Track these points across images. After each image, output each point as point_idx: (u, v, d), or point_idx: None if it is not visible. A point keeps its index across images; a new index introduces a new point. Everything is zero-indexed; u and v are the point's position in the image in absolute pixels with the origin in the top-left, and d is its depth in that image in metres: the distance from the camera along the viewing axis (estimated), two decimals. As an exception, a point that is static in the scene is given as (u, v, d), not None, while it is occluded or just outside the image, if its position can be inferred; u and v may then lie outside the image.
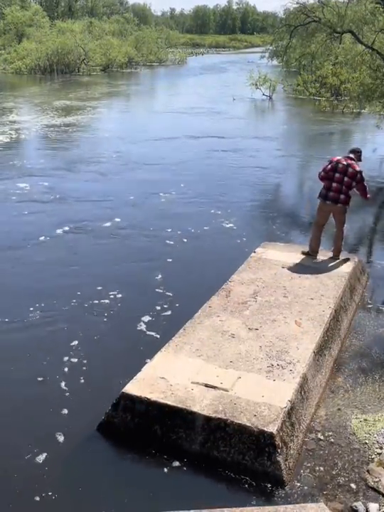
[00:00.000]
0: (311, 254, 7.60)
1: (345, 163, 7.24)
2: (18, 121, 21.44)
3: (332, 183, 7.26)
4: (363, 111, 23.71)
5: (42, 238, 9.21)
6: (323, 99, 27.19)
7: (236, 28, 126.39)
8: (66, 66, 43.93)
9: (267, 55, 32.19)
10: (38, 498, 4.04)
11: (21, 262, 8.29)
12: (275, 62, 33.49)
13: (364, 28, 20.04)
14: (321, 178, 7.37)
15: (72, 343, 6.09)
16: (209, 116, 23.75)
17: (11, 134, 18.96)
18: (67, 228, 9.72)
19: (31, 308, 6.81)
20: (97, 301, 7.07)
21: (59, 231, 9.58)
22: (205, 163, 15.05)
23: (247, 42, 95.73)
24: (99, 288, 7.45)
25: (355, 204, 12.22)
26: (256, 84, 30.44)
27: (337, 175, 7.23)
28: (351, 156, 7.39)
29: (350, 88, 23.72)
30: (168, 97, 31.89)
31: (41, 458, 4.42)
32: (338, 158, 7.35)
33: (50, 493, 4.09)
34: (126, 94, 32.92)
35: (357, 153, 7.47)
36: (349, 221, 11.05)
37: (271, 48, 29.77)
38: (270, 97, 30.99)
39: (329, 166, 7.27)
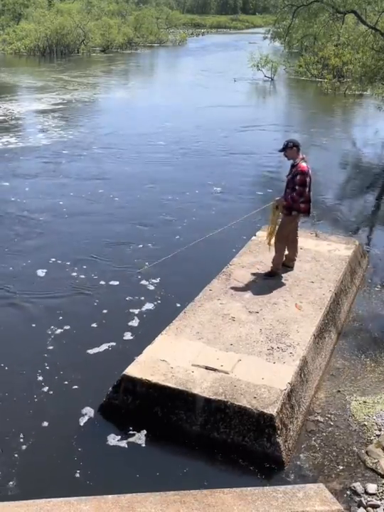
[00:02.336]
0: (278, 270, 6.61)
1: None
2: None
3: (311, 192, 6.38)
4: (365, 93, 23.48)
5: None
6: (326, 80, 26.88)
7: (237, 8, 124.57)
8: (65, 47, 43.40)
9: (268, 36, 31.78)
10: (38, 476, 4.09)
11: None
12: (277, 43, 33.06)
13: (367, 8, 19.74)
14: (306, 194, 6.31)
15: (72, 325, 6.12)
16: (210, 98, 23.53)
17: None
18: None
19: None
20: (96, 284, 7.08)
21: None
22: (206, 143, 14.96)
23: (249, 22, 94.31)
24: (98, 271, 7.46)
25: (356, 188, 12.26)
26: (257, 66, 30.12)
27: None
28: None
29: (352, 69, 23.45)
30: (170, 79, 31.48)
31: (42, 439, 4.46)
32: (307, 165, 6.30)
33: (49, 473, 4.14)
34: (130, 76, 32.52)
35: None
36: (350, 204, 11.11)
37: (272, 28, 29.38)
38: (272, 79, 30.69)
39: (311, 172, 6.31)
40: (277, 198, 6.49)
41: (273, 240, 6.60)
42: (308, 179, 6.23)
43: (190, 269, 7.55)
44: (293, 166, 6.39)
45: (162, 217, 9.56)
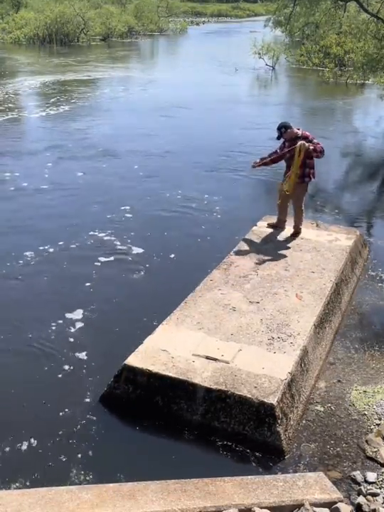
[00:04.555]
0: (299, 232, 7.45)
1: None
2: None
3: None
4: (367, 82, 23.32)
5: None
6: (327, 69, 26.68)
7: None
8: (65, 36, 43.04)
9: (269, 24, 31.49)
10: (40, 465, 4.12)
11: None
12: (278, 32, 32.76)
13: (369, -4, 19.56)
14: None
15: (74, 316, 6.13)
16: (212, 87, 23.38)
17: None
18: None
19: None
20: (97, 276, 7.09)
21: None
22: (210, 132, 14.90)
23: (250, 11, 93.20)
24: (101, 262, 7.46)
25: (357, 178, 12.21)
26: (259, 54, 29.90)
27: None
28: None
29: (354, 58, 23.26)
30: (172, 69, 31.12)
31: (43, 429, 4.48)
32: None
33: (50, 462, 4.16)
34: (137, 65, 32.27)
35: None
36: (351, 194, 11.08)
37: (274, 17, 29.11)
38: (273, 68, 30.48)
39: None
40: (301, 143, 6.76)
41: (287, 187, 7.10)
42: None
43: (189, 259, 7.55)
44: (296, 138, 6.84)
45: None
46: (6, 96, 20.03)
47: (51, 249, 7.77)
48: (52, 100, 19.36)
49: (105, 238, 8.23)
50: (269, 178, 11.54)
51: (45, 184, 10.51)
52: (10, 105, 18.48)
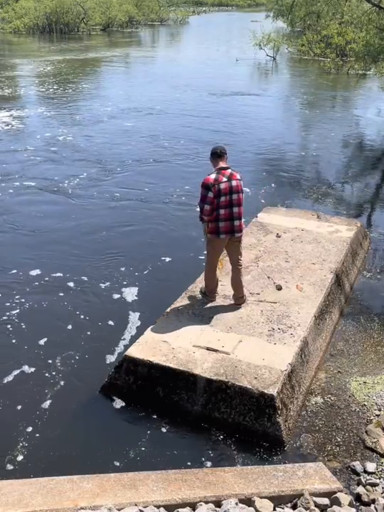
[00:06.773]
0: (210, 297, 5.60)
1: (237, 176, 5.23)
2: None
3: (233, 209, 5.20)
4: (368, 72, 23.18)
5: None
6: (328, 59, 26.54)
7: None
8: (65, 25, 42.77)
9: (271, 14, 31.29)
10: (41, 455, 4.15)
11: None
12: (280, 22, 32.54)
13: (371, -14, 19.38)
14: (210, 211, 5.15)
15: (75, 308, 6.14)
16: (214, 79, 23.28)
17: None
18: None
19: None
20: (100, 267, 7.09)
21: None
22: (209, 125, 14.85)
23: (251, 0, 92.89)
24: (103, 255, 7.47)
25: (358, 169, 12.18)
26: (260, 45, 29.73)
27: (234, 196, 5.18)
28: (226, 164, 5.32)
29: (355, 48, 23.13)
30: (173, 61, 31.03)
31: (44, 419, 4.50)
32: (228, 172, 5.18)
33: (52, 452, 4.18)
34: (137, 53, 32.10)
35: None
36: (352, 185, 11.04)
37: (275, 6, 28.93)
38: (274, 58, 30.32)
39: (222, 186, 5.09)
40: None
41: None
42: (217, 188, 5.07)
43: (189, 250, 7.54)
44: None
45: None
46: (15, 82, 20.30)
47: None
48: (70, 82, 20.40)
49: (104, 237, 8.24)
50: (272, 169, 11.54)
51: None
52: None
